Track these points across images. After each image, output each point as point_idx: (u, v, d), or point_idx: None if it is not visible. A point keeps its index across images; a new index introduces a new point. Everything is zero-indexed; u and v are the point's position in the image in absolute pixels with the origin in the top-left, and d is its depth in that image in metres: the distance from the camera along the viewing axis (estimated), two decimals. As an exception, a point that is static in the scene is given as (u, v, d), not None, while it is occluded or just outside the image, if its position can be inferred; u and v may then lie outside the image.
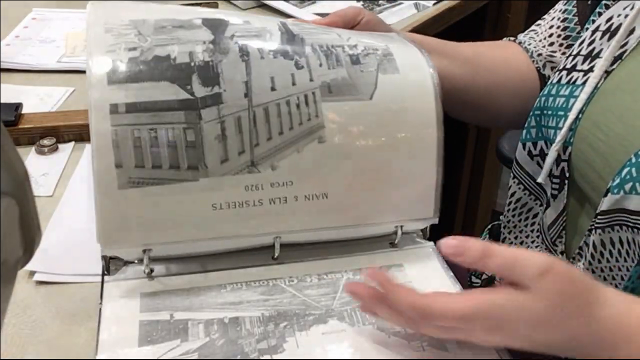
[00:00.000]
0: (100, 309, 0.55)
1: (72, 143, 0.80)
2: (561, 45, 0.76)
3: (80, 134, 0.80)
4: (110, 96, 0.54)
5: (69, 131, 0.81)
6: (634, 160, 0.57)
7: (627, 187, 0.56)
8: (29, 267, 0.60)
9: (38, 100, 0.88)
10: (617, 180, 0.57)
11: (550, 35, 0.77)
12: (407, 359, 0.52)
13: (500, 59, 0.79)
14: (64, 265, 0.63)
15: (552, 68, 0.77)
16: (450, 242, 0.48)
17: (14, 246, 0.37)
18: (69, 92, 0.90)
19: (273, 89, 0.58)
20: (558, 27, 0.77)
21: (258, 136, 0.57)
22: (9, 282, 0.38)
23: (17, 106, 0.82)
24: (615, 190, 0.57)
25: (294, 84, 0.58)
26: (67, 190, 0.73)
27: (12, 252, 0.37)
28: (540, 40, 0.78)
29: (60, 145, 0.80)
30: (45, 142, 0.79)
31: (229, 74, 0.57)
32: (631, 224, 0.57)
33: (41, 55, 0.99)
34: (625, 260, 0.59)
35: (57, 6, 1.13)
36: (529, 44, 0.79)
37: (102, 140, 0.54)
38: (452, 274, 0.61)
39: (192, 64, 0.56)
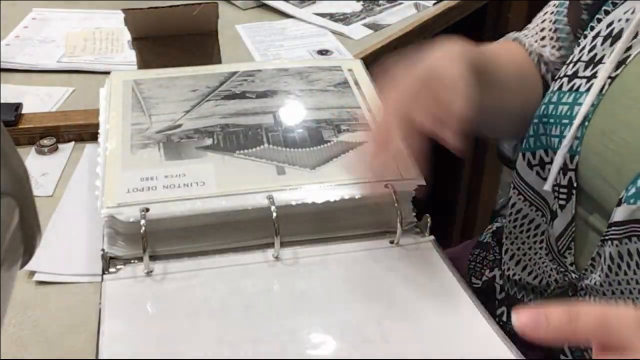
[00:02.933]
0: (100, 309, 0.55)
1: (72, 143, 0.80)
2: (553, 47, 0.74)
3: (80, 134, 0.80)
4: None
5: (69, 131, 0.80)
6: None
7: None
8: (29, 267, 0.60)
9: (38, 100, 0.88)
10: (633, 191, 0.56)
11: (543, 39, 0.75)
12: (408, 359, 0.52)
13: (524, 81, 0.73)
14: (64, 265, 0.63)
15: (548, 71, 0.74)
16: (524, 315, 0.40)
17: (14, 246, 0.37)
18: (69, 92, 0.90)
19: None
20: (550, 30, 0.74)
21: None
22: (9, 282, 0.38)
23: (17, 106, 0.82)
24: (632, 201, 0.56)
25: None
26: (67, 190, 0.73)
27: (12, 252, 0.37)
28: (536, 41, 0.75)
29: (60, 145, 0.79)
30: (45, 142, 0.79)
31: None
32: None
33: (41, 55, 0.98)
34: None
35: (57, 6, 1.13)
36: (533, 47, 0.75)
37: None
38: (455, 269, 0.60)
39: None
